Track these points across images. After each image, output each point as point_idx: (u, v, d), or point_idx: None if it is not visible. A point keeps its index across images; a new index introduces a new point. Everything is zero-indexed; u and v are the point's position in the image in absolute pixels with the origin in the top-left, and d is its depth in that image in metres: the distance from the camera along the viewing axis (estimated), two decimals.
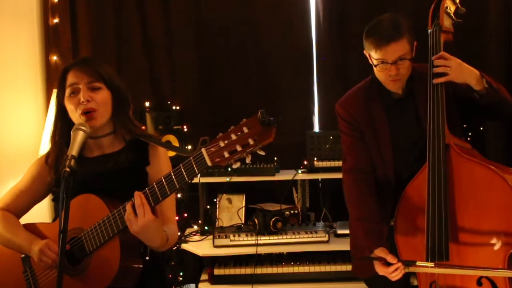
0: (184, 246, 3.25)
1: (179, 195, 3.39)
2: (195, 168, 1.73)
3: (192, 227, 3.51)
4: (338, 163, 3.26)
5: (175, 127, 3.47)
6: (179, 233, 2.32)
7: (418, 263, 2.04)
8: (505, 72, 3.50)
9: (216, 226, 3.44)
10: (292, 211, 3.41)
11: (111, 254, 1.88)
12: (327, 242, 3.12)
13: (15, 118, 3.33)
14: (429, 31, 2.23)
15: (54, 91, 3.31)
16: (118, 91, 2.08)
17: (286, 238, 3.13)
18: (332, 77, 3.68)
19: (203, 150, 1.71)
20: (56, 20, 3.61)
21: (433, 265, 2.04)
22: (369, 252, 2.23)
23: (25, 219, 2.18)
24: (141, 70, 3.74)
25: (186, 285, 3.54)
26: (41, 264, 2.00)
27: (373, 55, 2.26)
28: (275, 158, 3.44)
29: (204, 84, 3.76)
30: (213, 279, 3.08)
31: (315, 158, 3.38)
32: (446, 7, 2.22)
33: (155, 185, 1.82)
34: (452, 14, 2.23)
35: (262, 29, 3.73)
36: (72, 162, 1.73)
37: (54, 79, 3.52)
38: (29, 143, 3.38)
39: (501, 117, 2.34)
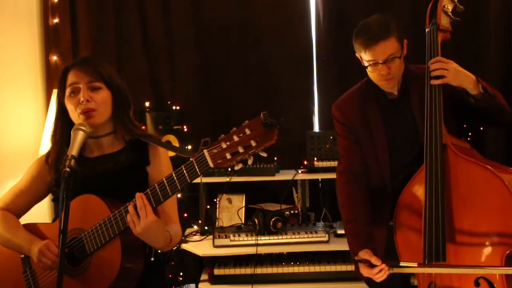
0: (184, 246, 3.25)
1: (179, 195, 3.39)
2: (197, 169, 1.74)
3: (192, 227, 3.51)
4: None
5: (175, 127, 3.47)
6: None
7: (401, 263, 2.06)
8: (505, 72, 3.50)
9: (216, 226, 3.44)
10: (292, 211, 3.41)
11: (112, 255, 1.88)
12: (327, 242, 3.13)
13: (15, 118, 3.33)
14: (426, 30, 2.23)
15: (54, 91, 3.32)
16: (118, 91, 2.07)
17: (286, 238, 3.13)
18: (332, 77, 3.68)
19: (205, 151, 1.71)
20: (56, 20, 3.61)
21: (416, 265, 2.05)
22: (354, 255, 2.25)
23: (25, 219, 2.18)
24: (141, 70, 3.74)
25: (186, 285, 3.54)
26: (41, 265, 2.00)
27: (364, 56, 2.27)
28: (275, 158, 3.44)
29: (204, 84, 3.76)
30: (213, 279, 3.08)
31: (315, 158, 3.39)
32: (444, 6, 2.21)
33: (156, 186, 1.82)
34: (449, 13, 2.23)
35: (262, 29, 3.73)
36: (72, 162, 1.73)
37: (54, 79, 3.52)
38: (29, 143, 3.38)
39: (496, 123, 2.35)
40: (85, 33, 3.66)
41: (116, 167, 2.05)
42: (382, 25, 2.23)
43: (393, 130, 2.36)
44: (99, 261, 1.91)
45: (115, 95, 2.07)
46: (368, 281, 2.43)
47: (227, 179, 3.36)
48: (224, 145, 1.68)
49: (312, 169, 3.38)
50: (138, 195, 1.82)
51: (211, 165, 1.71)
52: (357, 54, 2.33)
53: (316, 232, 3.16)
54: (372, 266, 2.14)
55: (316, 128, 3.75)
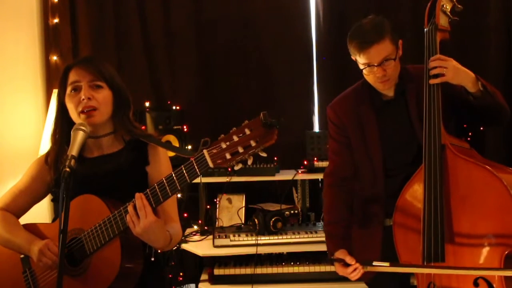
0: (184, 246, 3.25)
1: (179, 195, 3.39)
2: (197, 169, 1.74)
3: (192, 227, 3.51)
4: None
5: (175, 127, 3.47)
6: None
7: (374, 263, 2.09)
8: (505, 72, 3.50)
9: (216, 226, 3.44)
10: (292, 211, 3.41)
11: (112, 255, 1.88)
12: None
13: (15, 118, 3.34)
14: (425, 30, 2.23)
15: (54, 91, 3.32)
16: (119, 91, 2.07)
17: (286, 238, 3.13)
18: (332, 77, 3.68)
19: (204, 151, 1.71)
20: (56, 20, 3.61)
21: (388, 265, 2.07)
22: (330, 255, 2.32)
23: (25, 219, 2.17)
24: (141, 70, 3.74)
25: (186, 285, 3.54)
26: (41, 265, 1.99)
27: (359, 59, 2.28)
28: (275, 158, 3.44)
29: (204, 84, 3.76)
30: (213, 279, 3.08)
31: (315, 158, 3.39)
32: (443, 5, 2.21)
33: (156, 186, 1.82)
34: (448, 12, 2.23)
35: (262, 29, 3.73)
36: (72, 162, 1.73)
37: (54, 79, 3.52)
38: (29, 143, 3.38)
39: (495, 121, 2.34)
40: (85, 33, 3.66)
41: (115, 168, 2.05)
42: (376, 28, 2.24)
43: (388, 131, 2.37)
44: (99, 261, 1.91)
45: (116, 95, 2.06)
46: (368, 281, 2.44)
47: (227, 179, 3.36)
48: (224, 145, 1.68)
49: (312, 169, 3.38)
50: (137, 195, 1.81)
51: (211, 165, 1.71)
52: (352, 57, 2.33)
53: (316, 232, 3.16)
54: (347, 265, 2.21)
55: (316, 128, 3.75)
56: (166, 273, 3.27)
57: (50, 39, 3.61)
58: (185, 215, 3.45)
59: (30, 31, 3.55)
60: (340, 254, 2.27)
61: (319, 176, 3.44)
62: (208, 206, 3.52)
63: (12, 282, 2.09)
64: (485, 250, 2.01)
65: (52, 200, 2.26)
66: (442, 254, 2.05)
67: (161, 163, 2.09)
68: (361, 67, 2.29)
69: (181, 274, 3.46)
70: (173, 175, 1.79)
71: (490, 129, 3.45)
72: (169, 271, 3.36)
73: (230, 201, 3.56)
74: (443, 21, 2.22)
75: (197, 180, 2.80)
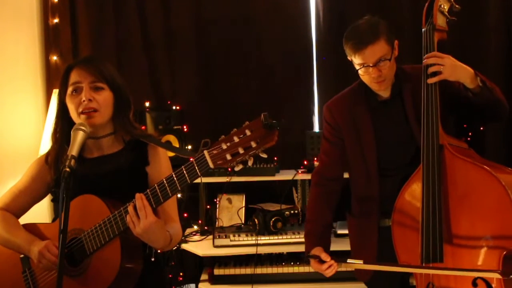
0: (184, 246, 3.25)
1: (179, 195, 3.39)
2: (197, 170, 1.74)
3: (192, 227, 3.51)
4: None
5: (175, 127, 3.47)
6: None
7: (348, 260, 2.10)
8: (505, 72, 3.50)
9: (216, 226, 3.44)
10: (292, 211, 3.41)
11: (111, 256, 1.88)
12: None
13: (15, 118, 3.34)
14: (423, 30, 2.23)
15: (54, 91, 3.33)
16: (120, 93, 2.07)
17: (286, 238, 3.13)
18: (332, 77, 3.68)
19: (205, 152, 1.71)
20: (56, 20, 3.61)
21: (362, 262, 2.08)
22: (307, 252, 2.35)
23: (25, 219, 2.17)
24: (141, 70, 3.74)
25: (186, 285, 3.55)
26: (40, 266, 1.99)
27: (354, 60, 2.28)
28: (275, 158, 3.44)
29: (204, 84, 3.76)
30: (213, 279, 3.09)
31: (315, 158, 3.38)
32: (440, 6, 2.21)
33: (156, 187, 1.82)
34: (446, 12, 2.22)
35: (262, 29, 3.73)
36: (72, 162, 1.73)
37: (54, 79, 3.53)
38: (29, 143, 3.38)
39: (494, 117, 2.33)
40: (85, 33, 3.66)
41: (115, 168, 2.05)
42: (371, 28, 2.23)
43: (384, 131, 2.36)
44: (99, 261, 1.91)
45: (117, 96, 2.06)
46: (368, 281, 2.45)
47: (227, 179, 3.36)
48: (224, 146, 1.68)
49: (312, 169, 3.37)
50: (137, 195, 1.81)
51: (211, 166, 1.71)
52: (348, 57, 2.34)
53: None
54: (322, 262, 2.23)
55: (316, 128, 3.75)
56: (166, 273, 3.28)
57: (50, 39, 3.61)
58: (185, 215, 3.46)
59: (30, 31, 3.55)
60: (315, 251, 2.29)
61: None
62: (208, 206, 3.52)
63: (11, 282, 2.08)
64: (484, 251, 2.01)
65: (52, 200, 2.25)
66: (440, 255, 2.04)
67: (161, 163, 2.09)
68: (357, 67, 2.29)
69: (181, 274, 3.47)
70: (174, 175, 1.79)
71: (490, 129, 3.44)
72: (169, 271, 3.37)
73: (230, 201, 3.57)
74: (440, 21, 2.22)
75: (197, 180, 2.81)
